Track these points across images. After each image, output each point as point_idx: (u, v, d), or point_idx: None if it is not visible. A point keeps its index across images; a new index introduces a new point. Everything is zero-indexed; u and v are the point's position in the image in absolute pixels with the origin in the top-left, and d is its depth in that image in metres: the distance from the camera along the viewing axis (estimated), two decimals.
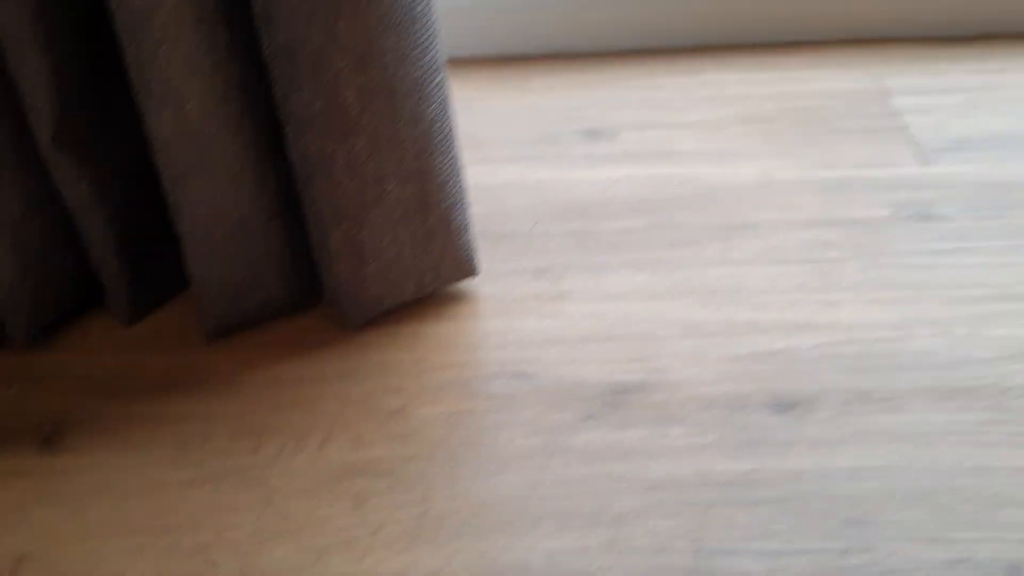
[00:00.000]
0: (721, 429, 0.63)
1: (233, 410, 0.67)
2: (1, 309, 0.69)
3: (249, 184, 0.67)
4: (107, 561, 0.59)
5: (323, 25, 0.60)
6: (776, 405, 0.65)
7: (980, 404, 0.63)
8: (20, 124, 0.66)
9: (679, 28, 1.01)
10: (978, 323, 0.69)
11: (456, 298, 0.75)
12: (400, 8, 0.61)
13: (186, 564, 0.58)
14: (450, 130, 0.68)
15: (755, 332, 0.70)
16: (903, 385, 0.65)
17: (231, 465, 0.64)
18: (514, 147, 0.90)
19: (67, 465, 0.65)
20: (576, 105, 0.94)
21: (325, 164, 0.65)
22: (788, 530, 0.57)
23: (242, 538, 0.59)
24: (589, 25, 1.01)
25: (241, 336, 0.73)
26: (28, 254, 0.69)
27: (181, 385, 0.70)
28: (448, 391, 0.68)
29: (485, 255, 0.78)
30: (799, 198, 0.81)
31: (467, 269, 0.73)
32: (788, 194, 0.82)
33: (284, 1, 0.59)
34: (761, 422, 0.64)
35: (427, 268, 0.71)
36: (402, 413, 0.66)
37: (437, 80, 0.65)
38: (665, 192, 0.83)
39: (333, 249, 0.68)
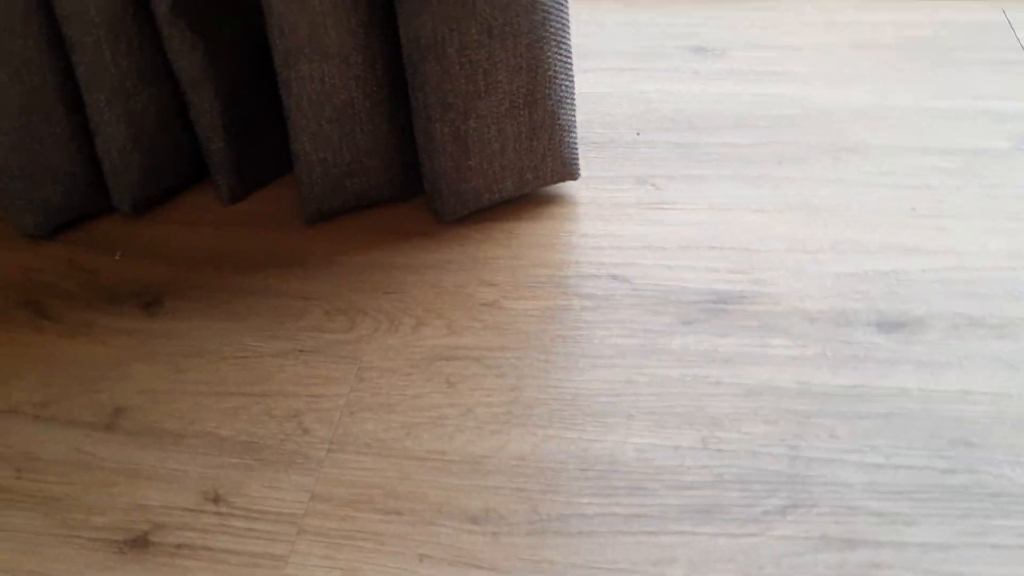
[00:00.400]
0: (824, 343, 0.62)
1: (328, 290, 0.68)
2: (110, 177, 0.70)
3: (358, 66, 0.66)
4: (202, 419, 0.60)
5: None
6: (882, 324, 0.63)
7: None
8: None
9: None
10: None
11: (555, 200, 0.74)
12: None
13: (279, 428, 0.59)
14: (565, 23, 0.66)
15: (863, 252, 0.68)
16: (1018, 314, 0.63)
17: (325, 341, 0.64)
18: (620, 59, 0.88)
19: (166, 329, 0.66)
20: (684, 22, 0.92)
21: (437, 48, 0.64)
22: (890, 445, 0.56)
23: (334, 408, 0.60)
24: None
25: (339, 220, 0.73)
26: (139, 125, 0.70)
27: (279, 263, 0.70)
28: (543, 288, 0.67)
29: (586, 161, 0.77)
30: (915, 125, 0.78)
31: (568, 171, 0.72)
32: (903, 120, 0.79)
33: None
34: (866, 340, 0.62)
35: (528, 166, 0.70)
36: (496, 305, 0.66)
37: None
38: (774, 111, 0.80)
39: (437, 139, 0.68)
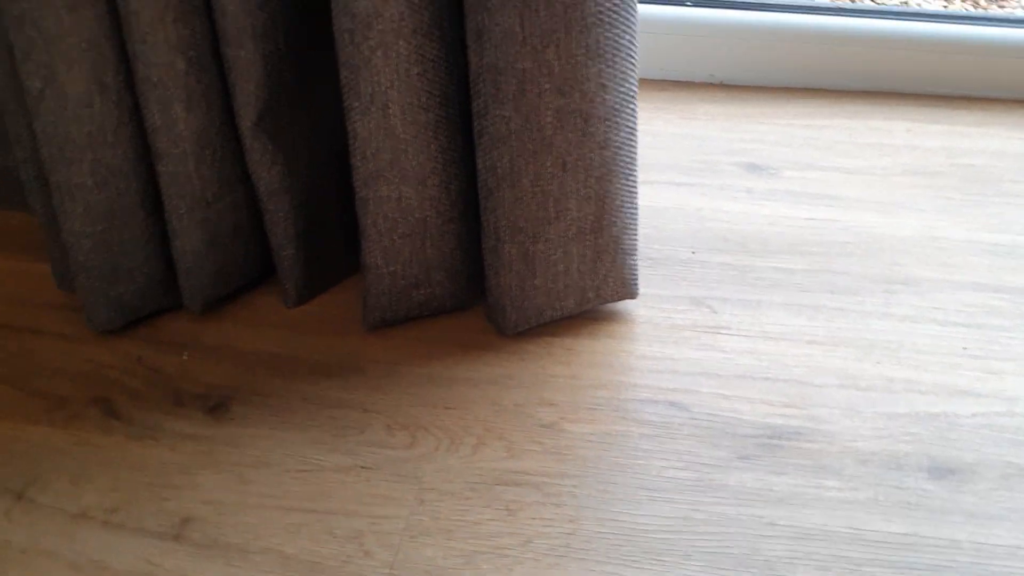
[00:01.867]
0: (876, 487, 0.63)
1: (389, 402, 0.69)
2: (182, 278, 0.73)
3: (434, 188, 0.68)
4: (266, 534, 0.61)
5: (533, 51, 0.61)
6: (933, 470, 0.64)
7: None
8: (227, 108, 0.69)
9: (847, 70, 1.00)
10: None
11: (613, 317, 0.75)
12: (608, 39, 0.62)
13: (340, 548, 0.60)
14: (633, 157, 0.69)
15: (914, 392, 0.69)
16: None
17: (386, 457, 0.66)
18: (675, 173, 0.90)
19: (231, 435, 0.67)
20: (739, 137, 0.94)
21: (512, 178, 0.66)
22: None
23: (394, 531, 0.61)
24: (756, 59, 1.01)
25: (400, 329, 0.75)
26: (214, 230, 0.72)
27: (341, 371, 0.72)
28: (602, 411, 0.68)
29: (643, 278, 0.78)
30: (965, 259, 0.80)
31: (628, 291, 0.74)
32: (954, 253, 0.80)
33: (498, 25, 0.61)
34: (917, 486, 0.63)
35: (590, 286, 0.72)
36: (555, 427, 0.67)
37: (631, 108, 0.66)
38: (826, 236, 0.82)
39: (505, 259, 0.70)
